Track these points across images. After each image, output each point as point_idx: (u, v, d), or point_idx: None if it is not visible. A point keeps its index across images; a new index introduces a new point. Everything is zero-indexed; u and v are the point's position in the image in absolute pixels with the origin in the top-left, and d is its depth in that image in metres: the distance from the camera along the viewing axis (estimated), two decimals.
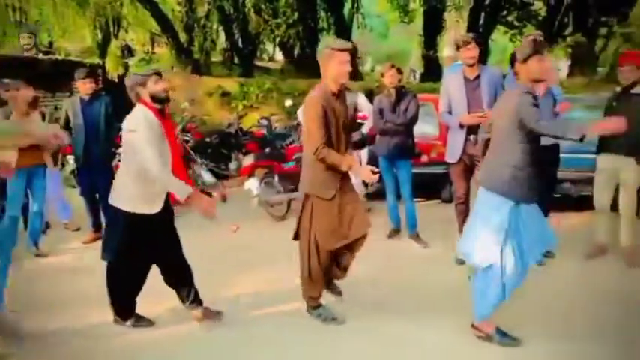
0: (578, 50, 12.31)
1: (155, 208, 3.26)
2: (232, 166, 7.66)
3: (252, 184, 5.97)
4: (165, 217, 3.36)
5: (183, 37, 14.87)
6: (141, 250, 3.34)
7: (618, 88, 4.40)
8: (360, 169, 3.46)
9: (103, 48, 17.93)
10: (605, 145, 4.36)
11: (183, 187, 3.17)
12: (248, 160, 6.19)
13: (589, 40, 12.30)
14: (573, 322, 3.47)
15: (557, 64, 17.70)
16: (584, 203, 5.14)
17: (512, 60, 3.17)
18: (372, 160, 6.14)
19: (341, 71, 3.29)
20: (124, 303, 3.49)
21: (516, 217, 3.05)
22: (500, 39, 18.33)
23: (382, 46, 28.83)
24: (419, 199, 6.43)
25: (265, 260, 4.76)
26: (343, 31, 16.05)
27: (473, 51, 4.24)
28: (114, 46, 18.42)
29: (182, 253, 3.48)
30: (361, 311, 3.64)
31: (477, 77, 4.30)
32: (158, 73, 3.32)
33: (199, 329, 3.47)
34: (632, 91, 4.27)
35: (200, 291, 3.53)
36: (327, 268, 3.53)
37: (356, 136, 4.70)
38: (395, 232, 5.45)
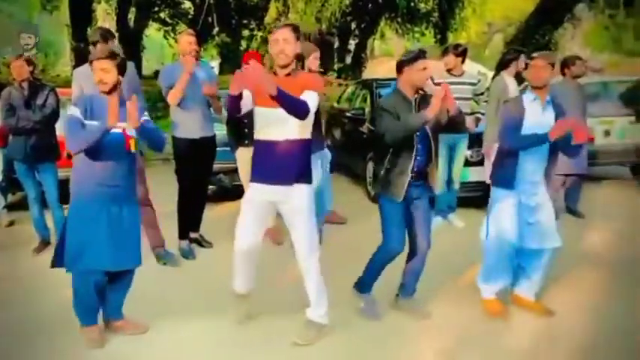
0: (226, 50, 13.24)
1: None
2: None
3: None
4: None
5: None
6: None
7: None
8: None
9: None
10: (247, 139, 4.72)
11: None
12: None
13: (234, 41, 13.33)
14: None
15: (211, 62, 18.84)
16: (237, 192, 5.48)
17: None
18: (9, 165, 5.26)
19: None
20: None
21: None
22: (154, 35, 18.35)
23: None
24: None
25: None
26: None
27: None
28: None
29: None
30: None
31: None
32: None
33: None
34: None
35: None
36: None
37: None
38: (43, 244, 4.80)
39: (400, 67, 3.27)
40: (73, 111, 3.00)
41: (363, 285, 3.54)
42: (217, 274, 3.92)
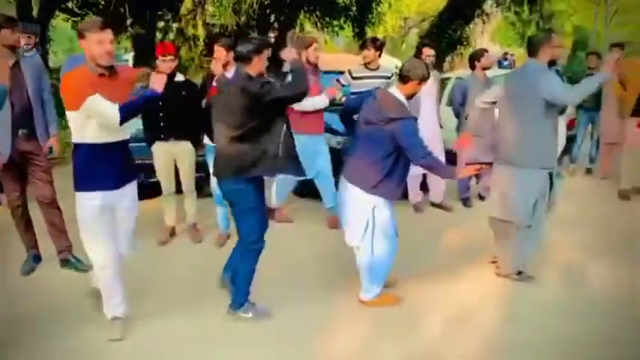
0: (140, 41, 12.71)
1: None
2: None
3: None
4: None
5: None
6: None
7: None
8: None
9: None
10: (163, 133, 4.58)
11: None
12: None
13: (148, 32, 12.80)
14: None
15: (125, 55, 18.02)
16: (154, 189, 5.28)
17: None
18: None
19: None
20: None
21: None
22: (61, 25, 17.33)
23: None
24: None
25: None
26: None
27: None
28: None
29: None
30: None
31: (17, 63, 3.89)
32: None
33: None
34: (175, 79, 4.45)
35: None
36: None
37: None
38: None
39: (250, 56, 3.24)
40: None
41: (240, 299, 3.41)
42: (135, 274, 3.77)
